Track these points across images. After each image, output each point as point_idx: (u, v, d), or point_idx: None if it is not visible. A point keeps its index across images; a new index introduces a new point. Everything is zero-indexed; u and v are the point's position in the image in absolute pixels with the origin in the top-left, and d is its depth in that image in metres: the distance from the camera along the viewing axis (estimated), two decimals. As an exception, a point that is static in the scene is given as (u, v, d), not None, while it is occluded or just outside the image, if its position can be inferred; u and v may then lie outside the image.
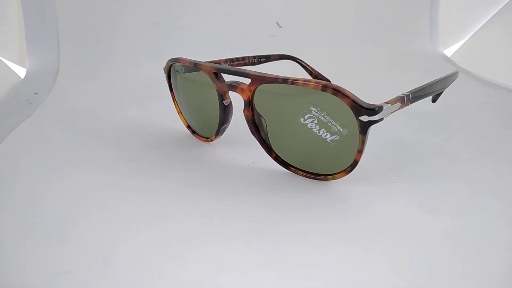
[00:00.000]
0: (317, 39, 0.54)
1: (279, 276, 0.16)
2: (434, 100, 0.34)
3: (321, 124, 0.21)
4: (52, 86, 0.42)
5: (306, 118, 0.22)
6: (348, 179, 0.23)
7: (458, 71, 0.29)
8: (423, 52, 0.52)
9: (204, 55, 0.37)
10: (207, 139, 0.28)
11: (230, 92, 0.25)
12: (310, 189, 0.22)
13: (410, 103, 0.22)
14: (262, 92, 0.23)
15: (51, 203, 0.21)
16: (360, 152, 0.21)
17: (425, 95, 0.24)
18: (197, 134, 0.29)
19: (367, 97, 0.21)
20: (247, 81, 0.23)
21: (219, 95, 0.25)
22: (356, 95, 0.20)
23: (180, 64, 0.27)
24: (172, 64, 0.28)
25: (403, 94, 0.22)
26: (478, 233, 0.18)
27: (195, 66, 0.26)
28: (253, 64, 0.37)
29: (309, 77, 0.42)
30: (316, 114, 0.21)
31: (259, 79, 0.22)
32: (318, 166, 0.23)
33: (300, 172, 0.24)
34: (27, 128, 0.32)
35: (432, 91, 0.24)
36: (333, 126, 0.21)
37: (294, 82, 0.21)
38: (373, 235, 0.19)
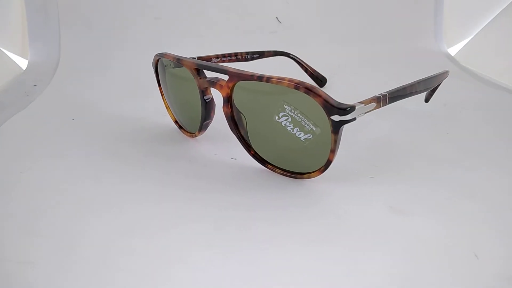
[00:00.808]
0: (318, 36, 0.53)
1: (236, 275, 0.16)
2: (427, 100, 0.34)
3: (295, 123, 0.21)
4: (51, 78, 0.43)
5: (280, 116, 0.22)
6: (324, 178, 0.23)
7: (447, 71, 0.29)
8: (426, 50, 0.52)
9: (202, 50, 0.37)
10: (192, 134, 0.28)
11: (211, 88, 0.25)
12: (285, 188, 0.22)
13: (388, 103, 0.22)
14: (241, 89, 0.23)
15: (28, 194, 0.22)
16: (333, 151, 0.21)
17: (406, 95, 0.23)
18: (183, 129, 0.29)
19: (364, 95, 0.21)
20: (227, 77, 0.23)
21: (200, 91, 0.25)
22: (329, 94, 0.20)
23: (166, 59, 0.27)
24: (159, 59, 0.28)
25: (379, 94, 0.22)
26: (445, 237, 0.18)
27: (178, 62, 0.26)
28: (246, 60, 0.37)
29: (305, 74, 0.42)
30: (289, 113, 0.21)
31: (236, 76, 0.22)
32: (294, 165, 0.23)
33: (277, 170, 0.24)
34: (19, 120, 0.32)
35: (415, 91, 0.24)
36: (306, 125, 0.21)
37: (268, 79, 0.21)
38: (338, 235, 0.18)
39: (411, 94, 0.24)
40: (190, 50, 0.38)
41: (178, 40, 0.49)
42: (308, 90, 0.20)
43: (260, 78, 0.21)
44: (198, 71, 0.25)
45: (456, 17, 0.52)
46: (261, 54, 0.38)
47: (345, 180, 0.23)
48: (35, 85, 0.41)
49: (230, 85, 0.23)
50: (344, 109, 0.20)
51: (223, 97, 0.23)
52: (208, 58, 0.34)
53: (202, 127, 0.27)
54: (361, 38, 0.53)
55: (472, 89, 0.41)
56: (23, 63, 0.47)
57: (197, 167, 0.25)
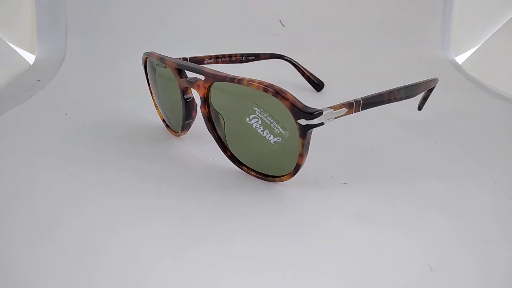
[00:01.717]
0: (322, 40, 0.53)
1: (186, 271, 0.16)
2: (419, 108, 0.33)
3: (265, 125, 0.21)
4: (55, 74, 0.44)
5: (251, 118, 0.22)
6: (296, 182, 0.23)
7: (436, 79, 0.28)
8: (431, 58, 0.51)
9: (204, 51, 0.38)
10: (176, 133, 0.29)
11: (192, 88, 0.25)
12: (257, 190, 0.22)
13: (362, 109, 0.22)
14: (218, 89, 0.23)
15: (4, 185, 0.22)
16: (301, 156, 0.21)
17: (383, 101, 0.23)
18: (170, 128, 0.30)
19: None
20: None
21: (181, 90, 0.25)
22: (297, 98, 0.20)
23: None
24: (146, 58, 0.29)
25: (353, 99, 0.21)
26: (402, 248, 0.18)
27: (162, 61, 0.26)
28: (241, 62, 0.37)
29: (301, 77, 0.41)
30: (259, 115, 0.21)
31: (212, 77, 0.22)
32: (266, 168, 0.23)
33: (252, 172, 0.24)
34: (16, 113, 0.33)
35: (394, 98, 0.23)
36: (275, 128, 0.21)
37: (240, 81, 0.21)
38: (298, 238, 0.18)
39: (389, 101, 0.23)
40: (191, 51, 0.38)
41: (181, 41, 0.50)
42: (276, 93, 0.20)
43: (232, 79, 0.21)
44: (179, 71, 0.25)
45: (465, 25, 0.51)
46: (257, 57, 0.38)
47: (318, 185, 0.23)
48: (38, 80, 0.43)
49: (206, 85, 0.23)
50: (311, 113, 0.20)
51: (200, 98, 0.24)
52: (201, 59, 0.34)
53: (184, 126, 0.27)
54: (365, 43, 0.53)
55: (474, 99, 0.40)
56: (31, 58, 0.48)
57: (176, 165, 0.25)
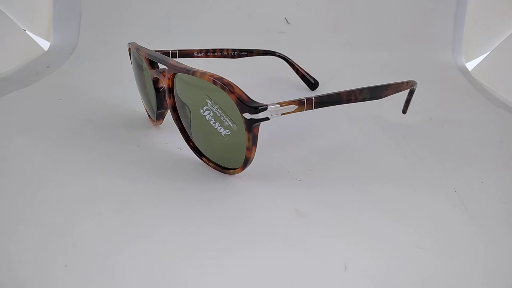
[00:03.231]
0: (327, 39, 0.53)
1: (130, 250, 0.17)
2: (404, 111, 0.32)
3: (216, 118, 0.22)
4: (64, 62, 0.46)
5: (204, 110, 0.22)
6: (251, 175, 0.23)
7: (411, 81, 0.28)
8: (439, 62, 0.49)
9: (208, 45, 0.38)
10: (154, 122, 0.30)
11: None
12: (211, 182, 0.23)
13: (316, 107, 0.22)
14: (181, 81, 0.24)
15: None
16: (248, 149, 0.21)
17: (341, 101, 0.23)
18: (150, 117, 0.31)
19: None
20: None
21: (152, 81, 0.26)
22: (244, 91, 0.20)
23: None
24: (130, 48, 0.30)
25: (306, 96, 0.21)
26: (324, 245, 0.18)
27: (137, 52, 0.27)
28: (233, 57, 0.38)
29: (295, 75, 0.41)
30: (211, 107, 0.22)
31: (173, 68, 0.23)
32: (222, 159, 0.23)
33: (210, 164, 0.24)
34: (17, 96, 0.35)
35: (355, 98, 0.23)
36: (225, 121, 0.21)
37: (194, 73, 0.21)
38: (231, 229, 0.19)
39: (349, 101, 0.23)
40: (194, 45, 0.39)
41: (186, 34, 0.51)
42: (224, 86, 0.20)
43: (188, 71, 0.22)
44: (151, 61, 0.26)
45: (479, 30, 0.49)
46: (250, 52, 0.38)
47: (271, 179, 0.23)
48: (48, 67, 0.45)
49: (170, 76, 0.24)
50: (256, 108, 0.20)
51: (166, 88, 0.24)
52: (190, 52, 0.35)
53: (157, 116, 0.28)
54: (373, 44, 0.52)
55: (473, 106, 0.39)
56: (46, 45, 0.51)
57: (142, 153, 0.26)
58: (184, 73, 0.22)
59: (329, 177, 0.24)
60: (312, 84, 0.41)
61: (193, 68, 0.22)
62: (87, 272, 0.16)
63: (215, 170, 0.24)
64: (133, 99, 0.35)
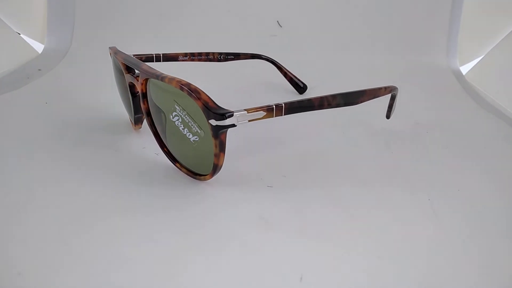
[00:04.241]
0: (320, 43, 0.52)
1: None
2: (387, 116, 0.32)
3: (184, 124, 0.22)
4: (56, 65, 0.46)
5: (173, 115, 0.22)
6: (223, 182, 0.23)
7: (391, 87, 0.27)
8: (433, 66, 0.48)
9: (198, 49, 0.38)
10: (134, 126, 0.30)
11: (138, 83, 0.26)
12: (181, 188, 0.23)
13: (286, 114, 0.21)
14: (155, 86, 0.24)
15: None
16: (216, 156, 0.21)
17: (313, 107, 0.22)
18: (131, 121, 0.31)
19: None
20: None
21: (129, 85, 0.26)
22: (211, 98, 0.20)
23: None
24: (110, 52, 0.30)
25: (275, 103, 0.21)
26: (282, 255, 0.18)
27: (115, 56, 0.27)
28: (219, 60, 0.37)
29: (284, 79, 0.41)
30: (179, 113, 0.22)
31: (144, 73, 0.23)
32: (193, 166, 0.23)
33: (183, 169, 0.24)
34: (5, 99, 0.36)
35: (328, 104, 0.23)
36: (192, 127, 0.21)
37: (163, 78, 0.21)
38: (196, 235, 0.19)
39: (321, 107, 0.23)
40: (189, 48, 0.39)
41: (179, 37, 0.51)
42: (190, 92, 0.20)
43: (157, 76, 0.22)
44: (127, 66, 0.26)
45: (473, 33, 0.49)
46: (236, 56, 0.38)
47: (243, 186, 0.23)
48: (39, 70, 0.45)
49: (143, 81, 0.24)
50: (222, 115, 0.20)
51: (140, 93, 0.24)
52: (175, 56, 0.35)
53: (136, 120, 0.28)
54: (366, 48, 0.52)
55: (463, 110, 0.38)
56: (40, 48, 0.51)
57: (118, 157, 0.26)
58: (154, 78, 0.22)
59: (301, 184, 0.24)
60: (300, 88, 0.41)
61: (162, 74, 0.22)
62: (40, 279, 0.16)
63: (188, 176, 0.24)
64: (119, 103, 0.35)
